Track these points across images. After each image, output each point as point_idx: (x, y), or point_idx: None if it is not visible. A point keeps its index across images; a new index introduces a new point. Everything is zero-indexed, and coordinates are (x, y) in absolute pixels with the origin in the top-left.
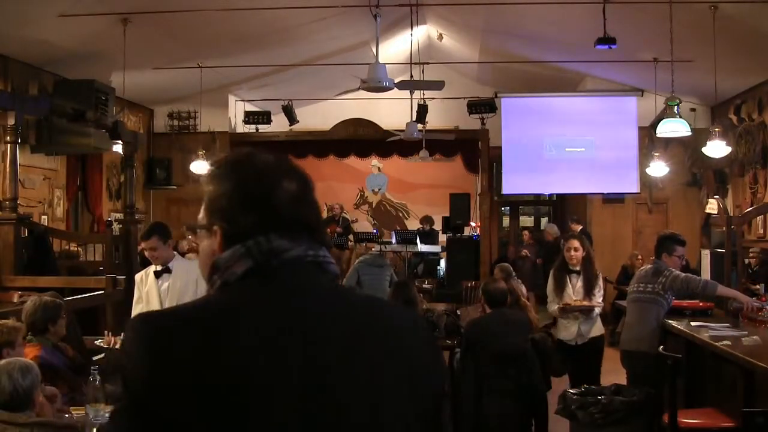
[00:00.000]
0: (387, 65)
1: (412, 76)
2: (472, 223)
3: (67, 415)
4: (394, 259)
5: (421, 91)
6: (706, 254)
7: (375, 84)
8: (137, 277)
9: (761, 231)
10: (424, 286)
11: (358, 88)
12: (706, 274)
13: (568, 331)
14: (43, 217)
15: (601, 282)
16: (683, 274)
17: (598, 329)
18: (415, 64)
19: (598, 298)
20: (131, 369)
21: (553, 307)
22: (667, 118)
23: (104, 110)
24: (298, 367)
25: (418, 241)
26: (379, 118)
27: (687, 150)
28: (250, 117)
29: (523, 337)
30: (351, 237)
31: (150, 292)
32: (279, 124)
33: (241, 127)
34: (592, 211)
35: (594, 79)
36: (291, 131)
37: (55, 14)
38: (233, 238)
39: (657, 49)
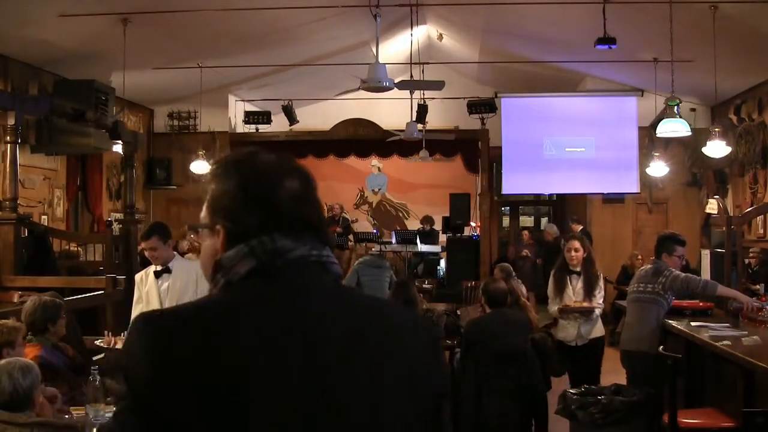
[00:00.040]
0: (387, 65)
1: (412, 76)
2: (472, 223)
3: (67, 416)
4: (394, 259)
5: (421, 91)
6: (706, 254)
7: (375, 84)
8: (137, 277)
9: (761, 231)
10: (424, 286)
11: (358, 88)
12: (706, 274)
13: (568, 332)
14: (43, 217)
15: (601, 283)
16: (683, 274)
17: (598, 330)
18: (415, 64)
19: (599, 299)
20: (133, 369)
21: (554, 307)
22: (667, 118)
23: (104, 110)
24: (298, 367)
25: (418, 241)
26: (379, 118)
27: (687, 150)
28: (250, 117)
29: (523, 337)
30: (351, 237)
31: (150, 292)
32: (279, 124)
33: (241, 127)
34: (592, 211)
35: (594, 79)
36: (291, 131)
37: (55, 14)
38: (236, 238)
39: (657, 49)
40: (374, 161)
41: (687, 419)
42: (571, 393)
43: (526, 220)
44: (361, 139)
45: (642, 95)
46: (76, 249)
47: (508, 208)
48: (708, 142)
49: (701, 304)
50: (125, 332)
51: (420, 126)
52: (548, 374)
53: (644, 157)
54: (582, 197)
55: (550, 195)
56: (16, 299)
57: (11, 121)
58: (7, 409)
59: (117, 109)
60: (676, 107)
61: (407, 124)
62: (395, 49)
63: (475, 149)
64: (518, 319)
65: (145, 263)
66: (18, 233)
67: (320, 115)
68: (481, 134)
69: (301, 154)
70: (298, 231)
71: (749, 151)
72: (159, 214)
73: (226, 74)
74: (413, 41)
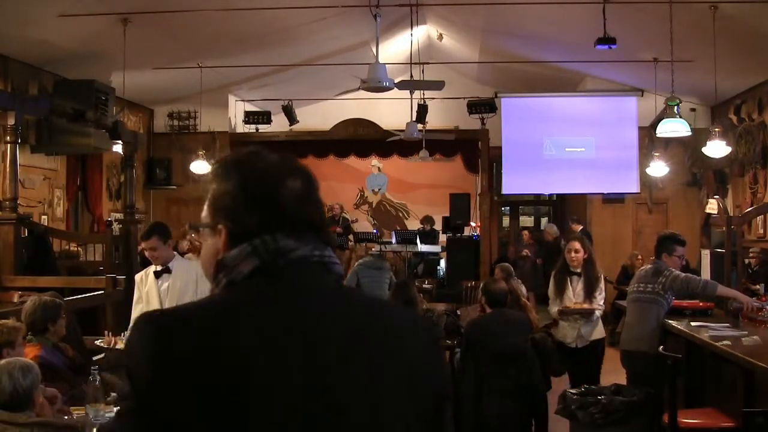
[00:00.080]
0: (387, 65)
1: (412, 76)
2: (472, 223)
3: (66, 416)
4: (394, 259)
5: (421, 91)
6: (706, 254)
7: (375, 84)
8: (137, 277)
9: (761, 231)
10: (424, 286)
11: (358, 88)
12: (706, 274)
13: (568, 333)
14: (43, 217)
15: (602, 284)
16: (683, 274)
17: (599, 332)
18: (415, 64)
19: (599, 300)
20: (135, 369)
21: (554, 309)
22: (667, 118)
23: (104, 110)
24: (299, 367)
25: (418, 241)
26: (379, 118)
27: (687, 150)
28: (250, 117)
29: (523, 337)
30: (351, 237)
31: (150, 292)
32: (279, 124)
33: (241, 127)
34: (592, 211)
35: (594, 79)
36: (291, 131)
37: (55, 14)
38: (239, 237)
39: (657, 49)
40: (374, 161)
41: (687, 419)
42: (571, 393)
43: (526, 220)
44: (361, 139)
45: (642, 95)
46: (76, 249)
47: (508, 208)
48: (708, 142)
49: (701, 304)
50: (125, 332)
51: (420, 126)
52: (548, 374)
53: (644, 157)
54: (582, 197)
55: (550, 195)
56: (16, 299)
57: (11, 121)
58: (7, 409)
59: (117, 109)
60: (676, 107)
61: (407, 124)
62: (395, 49)
63: (475, 149)
64: (518, 319)
65: (145, 263)
66: (18, 233)
67: (320, 115)
68: (481, 134)
69: (301, 154)
70: (300, 231)
71: (749, 151)
72: (159, 214)
73: (226, 74)
74: (413, 41)
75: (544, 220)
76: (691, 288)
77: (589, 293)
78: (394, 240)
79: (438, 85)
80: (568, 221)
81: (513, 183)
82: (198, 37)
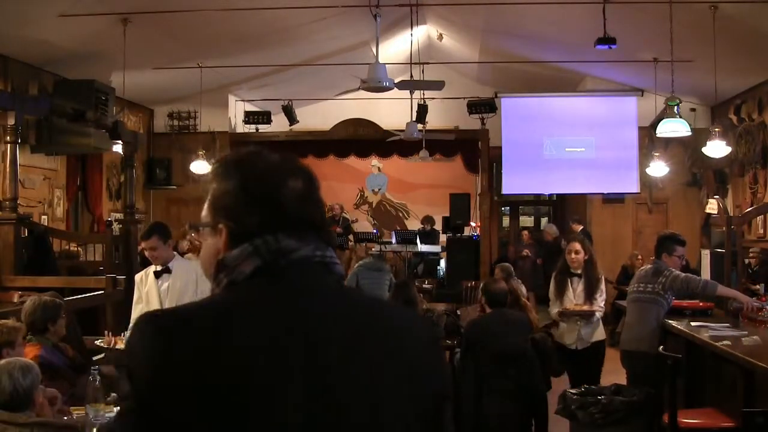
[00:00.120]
0: (387, 65)
1: (412, 76)
2: (472, 223)
3: (66, 417)
4: (394, 259)
5: (421, 91)
6: (706, 254)
7: (375, 84)
8: (137, 277)
9: (761, 231)
10: (424, 286)
11: (358, 88)
12: (706, 274)
13: (569, 335)
14: (43, 217)
15: (603, 286)
16: (683, 274)
17: (599, 334)
18: (415, 64)
19: (600, 302)
20: (135, 369)
21: (554, 310)
22: (667, 118)
23: (104, 110)
24: (299, 368)
25: (418, 241)
26: (379, 118)
27: (687, 150)
28: (250, 117)
29: (523, 337)
30: (351, 237)
31: (150, 292)
32: (279, 124)
33: (241, 127)
34: (592, 211)
35: (594, 79)
36: (291, 131)
37: (55, 14)
38: (239, 237)
39: (657, 49)
40: (374, 161)
41: (687, 419)
42: (571, 393)
43: (526, 220)
44: (361, 139)
45: (642, 95)
46: (76, 249)
47: (508, 208)
48: (708, 142)
49: (701, 304)
50: (125, 332)
51: (420, 126)
52: (548, 374)
53: (644, 157)
54: (582, 197)
55: (550, 195)
56: (16, 299)
57: (11, 121)
58: (7, 409)
59: (117, 109)
60: (676, 107)
61: (407, 124)
62: (395, 49)
63: (475, 149)
64: (518, 319)
65: (145, 263)
66: (18, 233)
67: (320, 115)
68: (481, 134)
69: (301, 154)
70: (301, 231)
71: (749, 151)
72: (159, 214)
73: (226, 74)
74: (413, 41)
75: (544, 220)
76: (691, 288)
77: (590, 295)
78: (394, 240)
79: (438, 85)
80: (569, 221)
81: (513, 183)
82: (198, 37)
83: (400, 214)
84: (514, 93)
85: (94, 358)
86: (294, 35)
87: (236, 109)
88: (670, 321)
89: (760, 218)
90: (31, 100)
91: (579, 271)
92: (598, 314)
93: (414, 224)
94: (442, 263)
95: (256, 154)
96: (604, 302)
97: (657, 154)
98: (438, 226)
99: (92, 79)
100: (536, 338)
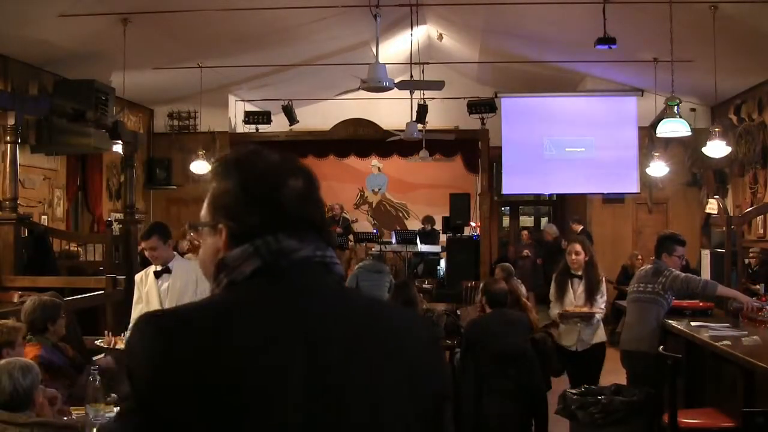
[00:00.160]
0: (387, 65)
1: (412, 76)
2: (472, 223)
3: (66, 417)
4: (394, 259)
5: (421, 91)
6: (706, 254)
7: (375, 84)
8: (137, 277)
9: (761, 231)
10: (424, 286)
11: (358, 88)
12: (706, 274)
13: (569, 336)
14: (43, 217)
15: (604, 287)
16: (683, 274)
17: (599, 336)
18: (415, 64)
19: (600, 304)
20: (135, 369)
21: (554, 312)
22: (667, 118)
23: (104, 110)
24: (299, 368)
25: (418, 241)
26: (379, 118)
27: (687, 150)
28: (250, 117)
29: (523, 337)
30: (351, 237)
31: (150, 293)
32: (279, 124)
33: (241, 127)
34: (592, 211)
35: (594, 79)
36: (291, 131)
37: (55, 14)
38: (240, 237)
39: (657, 49)
40: (374, 161)
41: (687, 419)
42: (571, 393)
43: (526, 220)
44: (361, 139)
45: (642, 95)
46: (76, 249)
47: (508, 208)
48: (708, 142)
49: (701, 304)
50: (125, 332)
51: (420, 126)
52: (548, 374)
53: (644, 157)
54: (582, 197)
55: (550, 195)
56: (16, 299)
57: (11, 121)
58: (7, 409)
59: (117, 109)
60: (676, 107)
61: (407, 124)
62: (395, 49)
63: (475, 149)
64: (518, 319)
65: (145, 263)
66: (18, 233)
67: (320, 115)
68: (481, 134)
69: (301, 154)
70: (302, 231)
71: (749, 151)
72: (159, 214)
73: (226, 74)
74: (413, 41)
75: (544, 220)
76: (691, 288)
77: (590, 296)
78: (394, 240)
79: (438, 85)
80: (569, 221)
81: (513, 183)
82: (198, 37)
83: (400, 214)
84: (514, 93)
85: (94, 358)
86: (294, 35)
87: (236, 109)
88: (670, 321)
89: (760, 218)
90: (31, 100)
91: (579, 273)
92: (599, 316)
93: (414, 224)
94: (442, 263)
95: (256, 154)
96: (605, 304)
97: (657, 154)
98: (438, 226)
99: (92, 79)
100: (536, 338)
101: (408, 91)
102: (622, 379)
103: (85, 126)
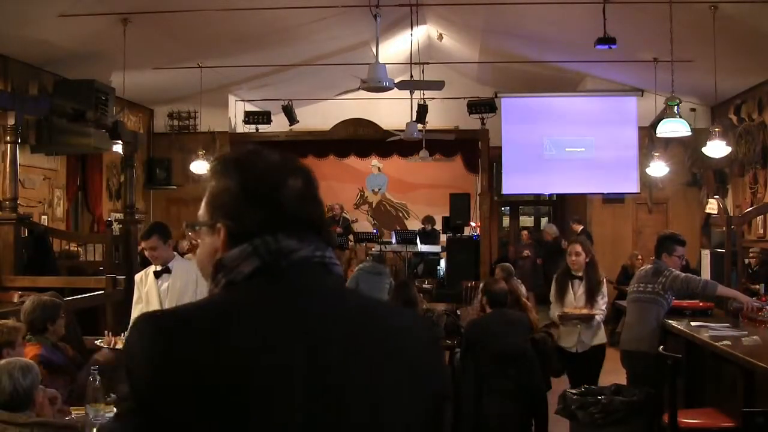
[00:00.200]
0: (387, 65)
1: (412, 76)
2: (472, 223)
3: (67, 418)
4: (394, 259)
5: (421, 91)
6: (706, 254)
7: (375, 84)
8: (137, 277)
9: (761, 231)
10: (424, 286)
11: (358, 88)
12: (706, 274)
13: (569, 338)
14: (43, 217)
15: (604, 289)
16: (683, 274)
17: (600, 337)
18: (415, 64)
19: (601, 305)
20: (134, 369)
21: (554, 313)
22: (667, 118)
23: (104, 110)
24: (299, 368)
25: (418, 241)
26: (379, 118)
27: (687, 150)
28: (250, 117)
29: (523, 337)
30: (351, 237)
31: (150, 293)
32: (279, 124)
33: (241, 127)
34: (592, 211)
35: (594, 79)
36: (291, 131)
37: (55, 14)
38: (239, 237)
39: (657, 49)
40: (374, 161)
41: (687, 419)
42: (571, 393)
43: (526, 220)
44: (361, 139)
45: (642, 95)
46: (76, 249)
47: (508, 208)
48: (708, 142)
49: (701, 304)
50: (125, 332)
51: (420, 126)
52: (548, 374)
53: (644, 157)
54: (582, 197)
55: (550, 195)
56: (16, 299)
57: (11, 121)
58: (7, 409)
59: (117, 109)
60: (676, 107)
61: (407, 124)
62: (395, 49)
63: (475, 149)
64: (518, 319)
65: (145, 263)
66: (18, 233)
67: (320, 115)
68: (481, 134)
69: (301, 154)
70: (301, 231)
71: (749, 151)
72: (159, 214)
73: (226, 74)
74: (413, 41)
75: (544, 220)
76: (691, 288)
77: (591, 297)
78: (394, 240)
79: (438, 85)
80: (569, 221)
81: (513, 183)
82: (198, 37)
83: (400, 214)
84: (514, 93)
85: (94, 357)
86: (294, 35)
87: (236, 109)
88: (670, 321)
89: (760, 218)
90: (31, 100)
91: (580, 274)
92: (599, 317)
93: (414, 224)
94: (442, 263)
95: (255, 154)
96: (605, 305)
97: (657, 154)
98: (438, 226)
99: (92, 79)
100: (536, 338)
101: (408, 91)
102: (622, 379)
103: (85, 126)
